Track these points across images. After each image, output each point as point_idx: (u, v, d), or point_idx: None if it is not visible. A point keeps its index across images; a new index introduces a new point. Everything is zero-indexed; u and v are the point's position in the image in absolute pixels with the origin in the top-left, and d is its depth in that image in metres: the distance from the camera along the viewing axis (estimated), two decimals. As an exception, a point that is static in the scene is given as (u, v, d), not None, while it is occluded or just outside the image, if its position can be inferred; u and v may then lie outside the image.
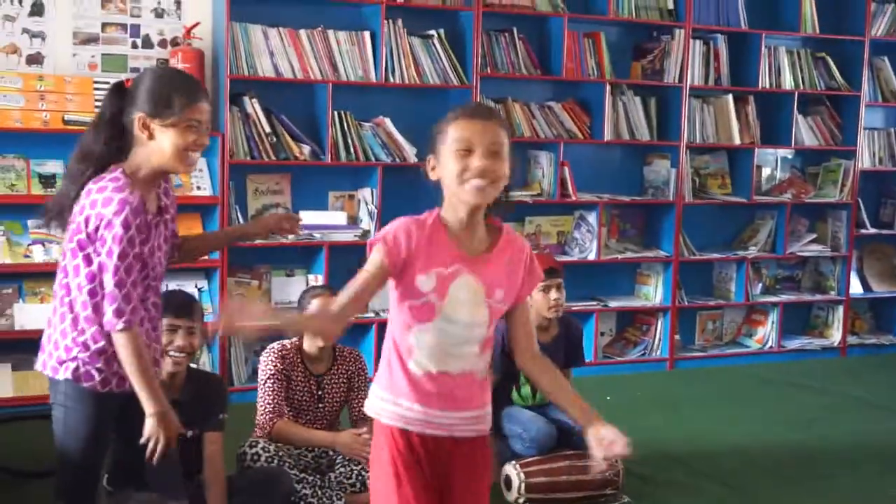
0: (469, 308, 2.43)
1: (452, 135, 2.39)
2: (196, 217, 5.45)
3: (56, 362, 2.90)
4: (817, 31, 6.84)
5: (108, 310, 2.77)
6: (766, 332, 6.92)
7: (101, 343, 2.87)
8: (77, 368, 2.87)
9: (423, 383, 2.44)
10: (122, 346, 2.79)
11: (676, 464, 4.65)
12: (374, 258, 2.41)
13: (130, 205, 2.72)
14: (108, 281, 2.76)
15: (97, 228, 2.74)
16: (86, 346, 2.88)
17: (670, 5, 6.43)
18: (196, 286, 5.20)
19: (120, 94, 2.88)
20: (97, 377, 2.88)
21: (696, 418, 5.49)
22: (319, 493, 3.92)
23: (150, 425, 2.82)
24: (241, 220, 5.51)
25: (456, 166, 2.36)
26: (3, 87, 4.99)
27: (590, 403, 2.87)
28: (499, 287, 2.45)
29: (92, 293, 2.84)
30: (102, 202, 2.73)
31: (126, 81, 2.91)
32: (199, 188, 5.40)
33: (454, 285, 2.41)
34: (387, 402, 2.49)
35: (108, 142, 2.87)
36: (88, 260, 2.79)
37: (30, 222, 5.08)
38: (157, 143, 2.81)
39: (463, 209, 2.40)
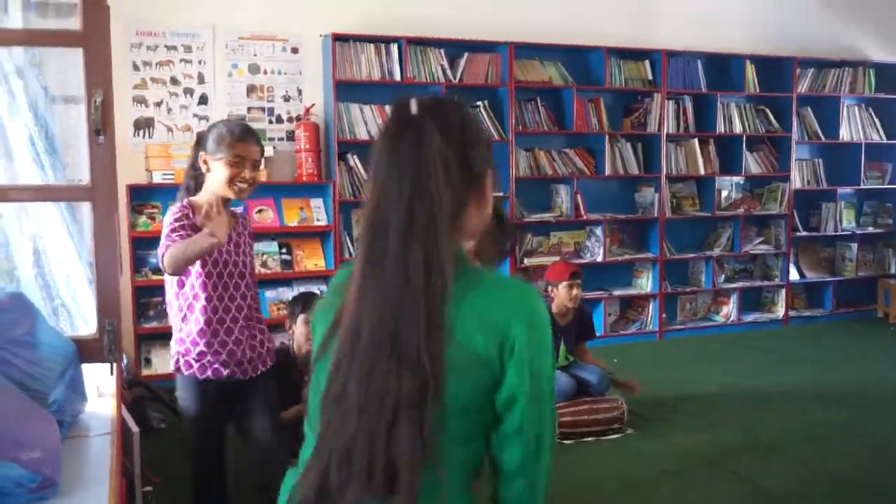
0: None
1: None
2: (316, 241, 5.53)
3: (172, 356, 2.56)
4: (758, 90, 6.79)
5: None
6: (729, 310, 6.84)
7: (193, 336, 2.48)
8: (177, 360, 2.52)
9: None
10: (167, 257, 2.30)
11: (664, 405, 4.64)
12: None
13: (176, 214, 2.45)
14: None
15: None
16: (182, 341, 2.51)
17: (650, 76, 6.42)
18: (318, 290, 5.29)
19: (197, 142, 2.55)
20: (195, 366, 2.49)
21: (679, 374, 5.44)
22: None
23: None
24: (349, 243, 5.56)
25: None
26: (182, 154, 5.09)
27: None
28: None
29: (176, 296, 2.51)
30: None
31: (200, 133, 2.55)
32: (318, 220, 5.50)
33: None
34: None
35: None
36: None
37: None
38: (212, 175, 2.48)
39: None
